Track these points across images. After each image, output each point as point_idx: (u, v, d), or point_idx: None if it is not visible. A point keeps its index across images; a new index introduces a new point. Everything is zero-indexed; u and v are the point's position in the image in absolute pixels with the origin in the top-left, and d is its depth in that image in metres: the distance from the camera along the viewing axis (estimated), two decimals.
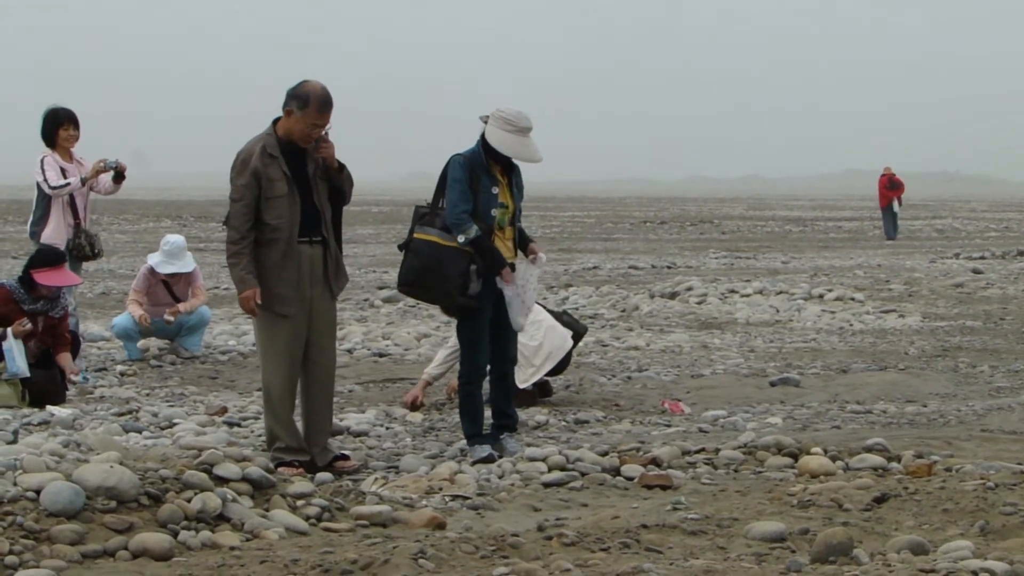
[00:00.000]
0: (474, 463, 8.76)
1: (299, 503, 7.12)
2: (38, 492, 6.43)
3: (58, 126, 12.37)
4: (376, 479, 8.17)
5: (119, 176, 12.48)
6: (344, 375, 12.21)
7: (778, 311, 18.59)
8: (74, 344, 11.69)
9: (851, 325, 17.26)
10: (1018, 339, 15.73)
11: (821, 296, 19.82)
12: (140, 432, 9.76)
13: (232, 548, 6.38)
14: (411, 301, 16.53)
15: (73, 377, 11.38)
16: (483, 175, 8.98)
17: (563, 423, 10.43)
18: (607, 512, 7.18)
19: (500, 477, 8.40)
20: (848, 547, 5.97)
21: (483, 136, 9.03)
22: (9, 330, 10.97)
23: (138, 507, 6.56)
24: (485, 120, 9.05)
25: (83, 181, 12.29)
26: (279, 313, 8.54)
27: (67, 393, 11.18)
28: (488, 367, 9.33)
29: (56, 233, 12.23)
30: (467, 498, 7.76)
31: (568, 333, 11.23)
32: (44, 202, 12.31)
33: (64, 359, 11.29)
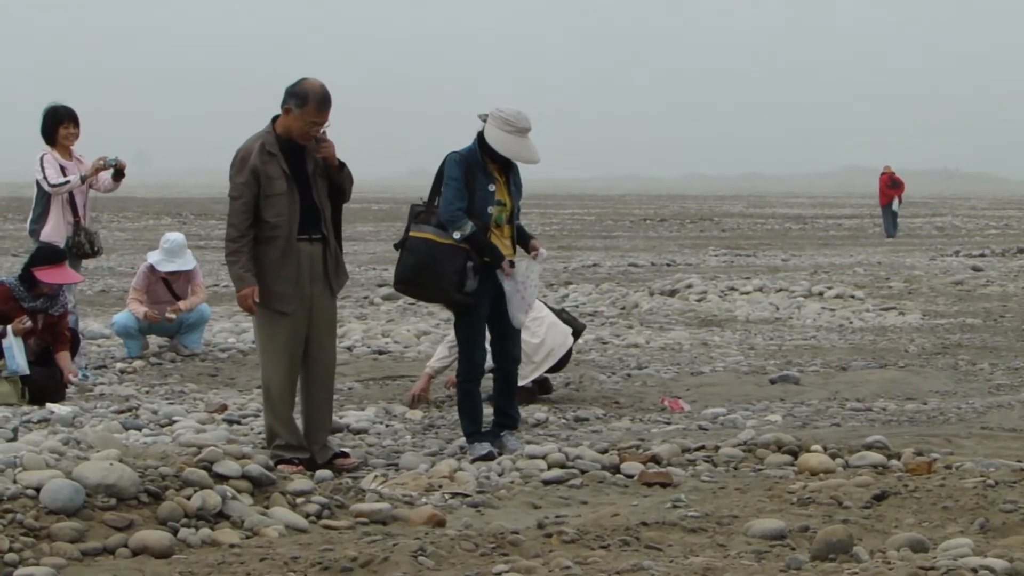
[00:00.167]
0: (474, 461, 8.76)
1: (299, 501, 7.13)
2: (38, 489, 6.43)
3: (58, 124, 12.37)
4: (376, 476, 8.17)
5: (119, 174, 12.48)
6: (344, 372, 12.21)
7: (778, 309, 18.59)
8: (74, 342, 11.70)
9: (851, 323, 17.27)
10: (1018, 336, 15.73)
11: (821, 294, 19.82)
12: (140, 430, 9.77)
13: (232, 546, 6.38)
14: (411, 299, 16.53)
15: (72, 378, 11.37)
16: (479, 173, 8.97)
17: (563, 421, 10.43)
18: (607, 510, 7.18)
19: (500, 475, 8.40)
20: (848, 545, 5.97)
21: (480, 134, 9.03)
22: (9, 328, 10.98)
23: (138, 505, 6.56)
24: (484, 118, 9.06)
25: (83, 179, 12.29)
26: (278, 311, 8.54)
27: (67, 391, 11.18)
28: (488, 365, 9.34)
29: (56, 231, 12.23)
30: (467, 495, 7.76)
31: (569, 330, 11.25)
32: (44, 200, 12.31)
33: (63, 358, 11.29)
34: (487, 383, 9.82)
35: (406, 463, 8.67)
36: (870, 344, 15.14)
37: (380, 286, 21.16)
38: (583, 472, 8.34)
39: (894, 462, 8.38)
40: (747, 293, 19.95)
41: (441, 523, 6.97)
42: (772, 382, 12.26)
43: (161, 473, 6.79)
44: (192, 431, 9.46)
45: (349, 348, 14.28)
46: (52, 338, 11.30)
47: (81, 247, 12.33)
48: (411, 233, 9.04)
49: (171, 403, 10.92)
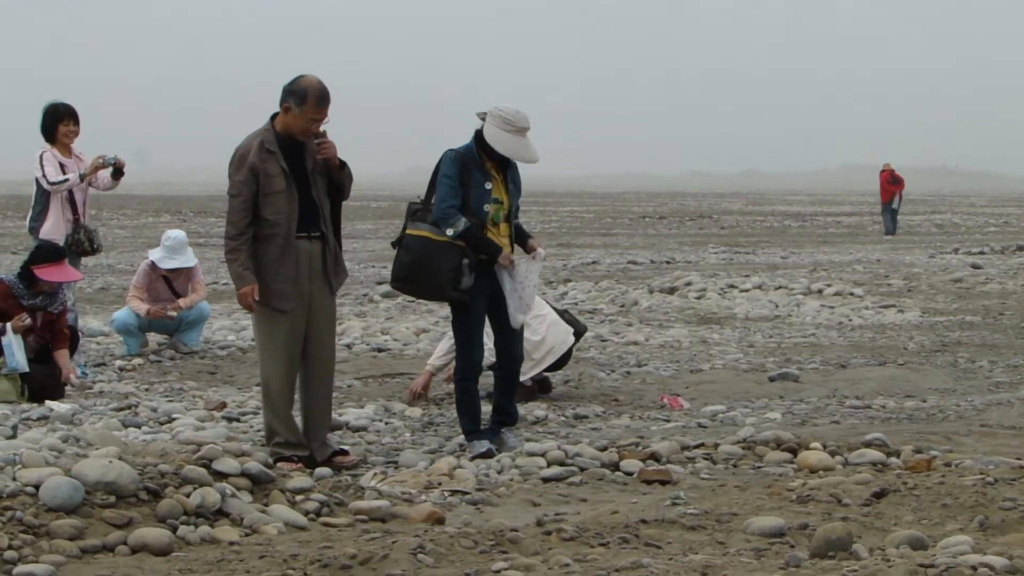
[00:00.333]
0: (473, 458, 8.76)
1: (298, 498, 7.13)
2: (37, 487, 6.43)
3: (58, 121, 12.36)
4: (375, 474, 8.17)
5: (118, 172, 12.47)
6: (343, 370, 12.21)
7: (777, 306, 18.59)
8: (73, 339, 11.70)
9: (850, 320, 17.27)
10: (1017, 334, 15.73)
11: (820, 291, 19.83)
12: (139, 427, 9.77)
13: (231, 543, 6.38)
14: (409, 297, 16.54)
15: (72, 378, 11.36)
16: (476, 171, 8.97)
17: (562, 418, 10.43)
18: (606, 507, 7.18)
19: (499, 472, 8.40)
20: (847, 542, 5.96)
21: (478, 132, 9.03)
22: (8, 325, 10.98)
23: (137, 502, 6.56)
24: (482, 117, 9.06)
25: (82, 177, 12.29)
26: (277, 309, 8.54)
27: (66, 388, 11.18)
28: (487, 362, 9.33)
29: (55, 228, 12.23)
30: (466, 493, 7.76)
31: (570, 330, 11.27)
32: (43, 197, 12.31)
33: (62, 356, 11.29)
34: (488, 380, 9.83)
35: (405, 461, 8.68)
36: (869, 342, 15.14)
37: (379, 283, 21.17)
38: (582, 470, 8.33)
39: (893, 460, 8.38)
40: (746, 291, 19.95)
41: (440, 521, 6.97)
42: (771, 380, 12.26)
43: (160, 471, 6.79)
44: (191, 429, 9.46)
45: (348, 346, 14.28)
46: (51, 336, 11.30)
47: (80, 245, 12.33)
48: (408, 231, 9.05)
49: (170, 401, 10.92)
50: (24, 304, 11.15)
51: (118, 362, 13.00)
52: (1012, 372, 12.78)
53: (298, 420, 8.75)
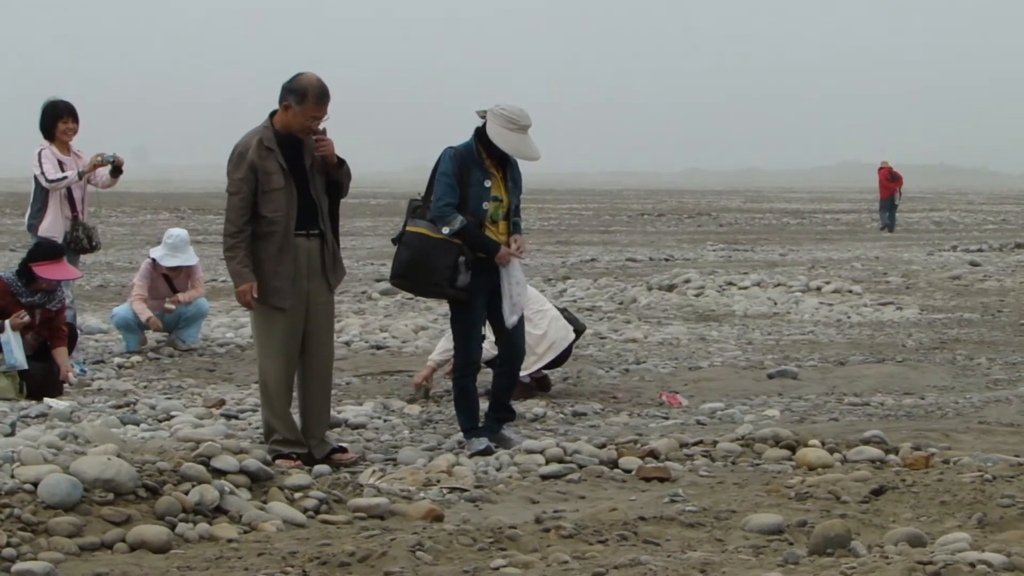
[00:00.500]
0: (472, 455, 8.76)
1: (297, 495, 7.13)
2: (35, 484, 6.43)
3: (57, 119, 12.35)
4: (374, 471, 8.17)
5: (116, 170, 12.46)
6: (342, 367, 12.21)
7: (776, 303, 18.60)
8: (71, 337, 11.69)
9: (849, 317, 17.27)
10: (1015, 331, 15.74)
11: (819, 288, 19.85)
12: (138, 424, 9.76)
13: (230, 540, 6.38)
14: (408, 294, 16.56)
15: (71, 377, 11.35)
16: (475, 168, 8.97)
17: (561, 415, 10.43)
18: (605, 504, 7.18)
19: (498, 469, 8.40)
20: (846, 539, 5.97)
21: (478, 130, 9.02)
22: (7, 323, 10.98)
23: (135, 499, 6.57)
24: (482, 115, 9.05)
25: (80, 175, 12.28)
26: (276, 306, 8.53)
27: (64, 386, 11.18)
28: (486, 356, 9.34)
29: (54, 226, 12.22)
30: (465, 490, 7.76)
31: (570, 327, 11.30)
32: (42, 195, 12.30)
33: (60, 354, 11.28)
34: (486, 378, 9.83)
35: (404, 458, 8.68)
36: (868, 339, 15.14)
37: (378, 281, 21.17)
38: (581, 467, 8.33)
39: (892, 457, 8.39)
40: (745, 288, 19.96)
41: (439, 518, 6.98)
42: (770, 377, 12.27)
43: (159, 468, 6.80)
44: (190, 426, 9.46)
45: (347, 343, 14.28)
46: (50, 333, 11.30)
47: (79, 242, 12.32)
48: (407, 228, 9.06)
49: (169, 398, 10.92)
50: (23, 302, 11.14)
51: (116, 359, 13.00)
52: (1010, 369, 12.79)
53: (297, 417, 8.75)
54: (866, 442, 8.66)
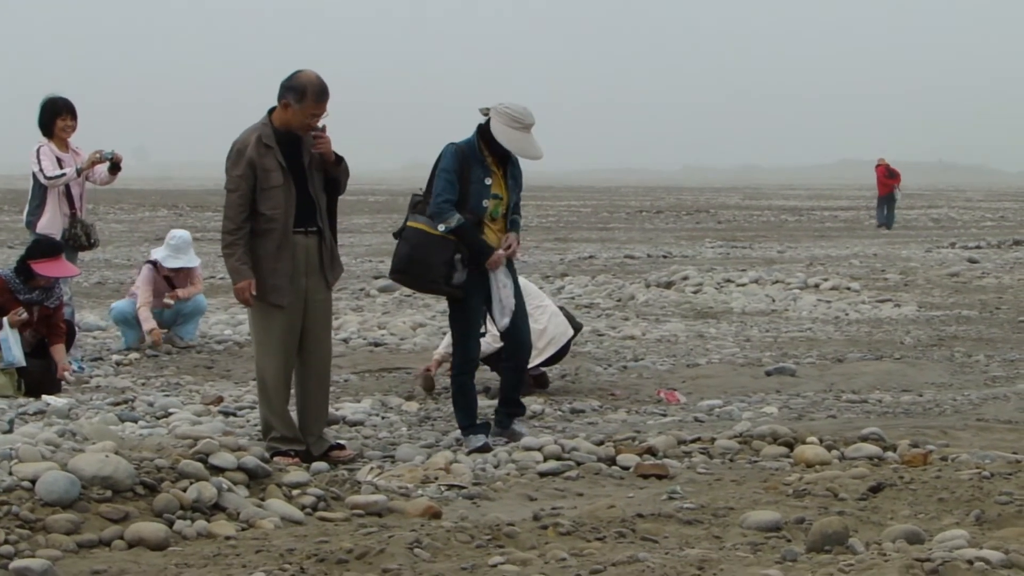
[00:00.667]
0: (469, 453, 8.76)
1: (295, 492, 7.13)
2: (33, 482, 6.43)
3: (55, 116, 12.35)
4: (372, 468, 8.17)
5: (115, 167, 12.47)
6: (340, 364, 12.20)
7: (774, 300, 18.60)
8: (69, 334, 11.69)
9: (847, 314, 17.27)
10: (1013, 328, 15.75)
11: (817, 285, 19.84)
12: (136, 422, 9.76)
13: (227, 538, 6.38)
14: (407, 290, 16.57)
15: (68, 375, 11.34)
16: (476, 165, 8.97)
17: (559, 412, 10.43)
18: (603, 501, 7.18)
19: (496, 467, 8.40)
20: (843, 536, 5.97)
21: (480, 127, 9.02)
22: (5, 320, 10.97)
23: (133, 497, 6.57)
24: (485, 112, 9.05)
25: (79, 172, 12.28)
26: (274, 304, 8.53)
27: (62, 383, 11.17)
28: (491, 348, 9.35)
29: (52, 223, 12.23)
30: (463, 487, 7.76)
31: (569, 323, 11.32)
32: (40, 192, 12.30)
33: (58, 351, 11.27)
34: (484, 375, 9.83)
35: (402, 455, 8.67)
36: (866, 336, 15.14)
37: (376, 278, 21.16)
38: (579, 464, 8.33)
39: (890, 454, 8.39)
40: (743, 285, 19.95)
41: (437, 515, 6.98)
42: (768, 374, 12.27)
43: (157, 465, 6.79)
44: (188, 423, 9.46)
45: (345, 340, 14.28)
46: (47, 330, 11.29)
47: (77, 239, 12.33)
48: (408, 223, 9.07)
49: (167, 395, 10.92)
50: (20, 299, 11.14)
51: (115, 356, 13.00)
52: (1008, 366, 12.79)
53: (295, 415, 8.75)
54: (864, 439, 8.67)
